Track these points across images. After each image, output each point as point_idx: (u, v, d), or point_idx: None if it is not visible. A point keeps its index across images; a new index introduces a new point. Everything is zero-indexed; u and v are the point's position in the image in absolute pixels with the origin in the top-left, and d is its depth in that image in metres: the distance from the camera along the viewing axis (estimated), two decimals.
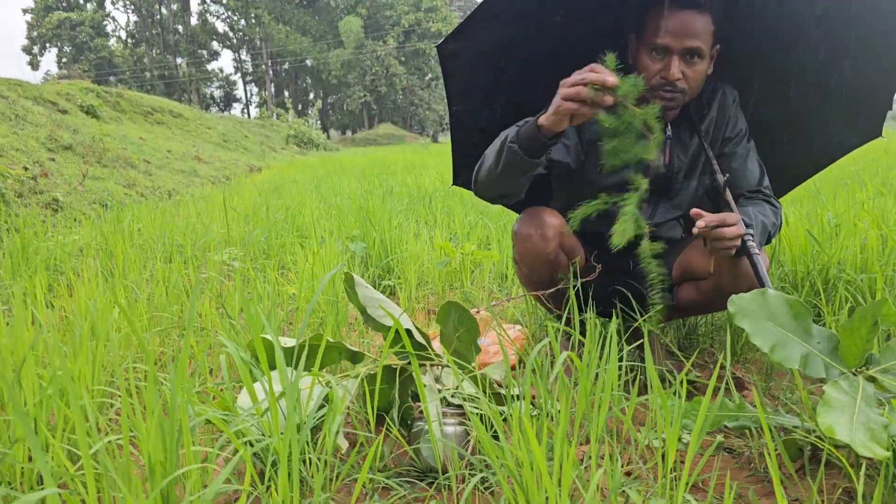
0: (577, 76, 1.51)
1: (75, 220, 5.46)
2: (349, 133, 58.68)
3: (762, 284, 1.66)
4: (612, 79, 1.48)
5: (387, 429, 1.64)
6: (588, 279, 1.93)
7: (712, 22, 1.73)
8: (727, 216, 1.62)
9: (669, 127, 1.92)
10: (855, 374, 1.30)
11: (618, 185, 1.94)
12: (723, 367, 2.15)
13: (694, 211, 1.63)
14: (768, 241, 1.91)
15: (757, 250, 1.66)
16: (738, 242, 1.65)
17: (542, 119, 1.59)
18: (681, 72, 1.72)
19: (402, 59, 55.20)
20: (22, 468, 1.25)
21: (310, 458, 1.26)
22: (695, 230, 1.62)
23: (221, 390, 1.41)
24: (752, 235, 1.68)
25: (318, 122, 44.31)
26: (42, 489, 1.33)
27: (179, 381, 1.03)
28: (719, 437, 1.59)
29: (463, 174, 2.20)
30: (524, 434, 1.04)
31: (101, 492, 1.01)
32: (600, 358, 1.47)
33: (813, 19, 1.93)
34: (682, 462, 1.46)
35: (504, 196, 1.94)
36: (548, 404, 1.35)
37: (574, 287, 1.88)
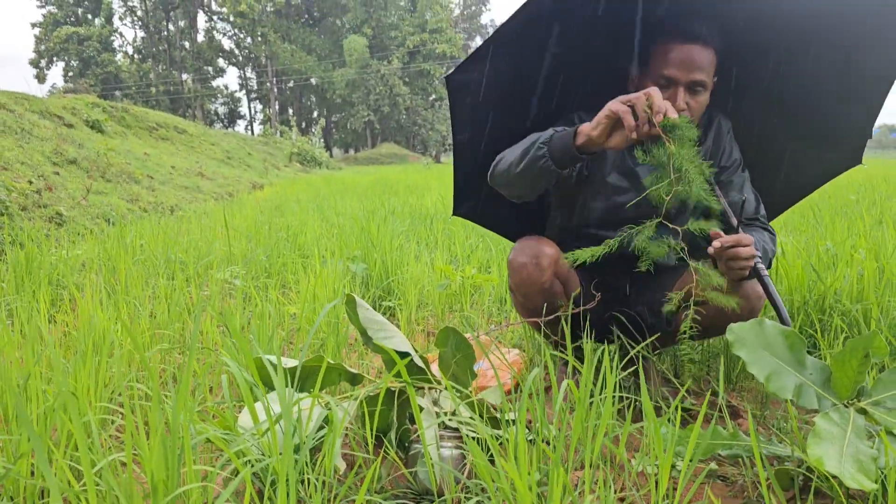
0: (636, 94, 1.52)
1: (78, 234, 5.50)
2: (352, 152, 58.94)
3: (775, 304, 1.70)
4: (673, 113, 1.50)
5: (384, 450, 1.66)
6: (586, 307, 1.95)
7: (714, 55, 1.80)
8: (742, 237, 1.65)
9: None
10: (847, 406, 1.32)
11: (612, 208, 1.97)
12: (717, 395, 2.17)
13: (713, 231, 1.66)
14: (768, 267, 1.94)
15: (766, 272, 1.70)
16: (752, 263, 1.68)
17: (584, 127, 1.61)
18: (685, 103, 1.77)
19: (407, 79, 55.55)
20: (25, 483, 1.26)
21: (308, 479, 1.28)
22: (710, 250, 1.65)
23: (222, 409, 1.42)
24: (759, 257, 1.72)
25: (322, 140, 44.54)
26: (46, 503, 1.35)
27: (181, 400, 1.05)
28: (712, 465, 1.61)
29: (464, 204, 2.23)
30: (518, 459, 1.06)
31: None
32: (594, 384, 1.50)
33: (801, 53, 1.97)
34: (675, 489, 1.48)
35: (514, 194, 1.94)
36: (544, 430, 1.37)
37: (570, 315, 1.91)
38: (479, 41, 70.41)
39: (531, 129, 2.06)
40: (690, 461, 1.24)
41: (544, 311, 1.96)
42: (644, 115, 1.50)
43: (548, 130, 1.74)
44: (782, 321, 1.75)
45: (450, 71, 1.93)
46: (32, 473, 1.32)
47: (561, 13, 1.86)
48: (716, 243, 1.64)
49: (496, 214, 2.32)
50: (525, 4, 1.76)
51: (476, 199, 2.24)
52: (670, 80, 1.77)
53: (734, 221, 1.81)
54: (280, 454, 1.11)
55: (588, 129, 1.60)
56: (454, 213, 2.27)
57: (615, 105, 1.53)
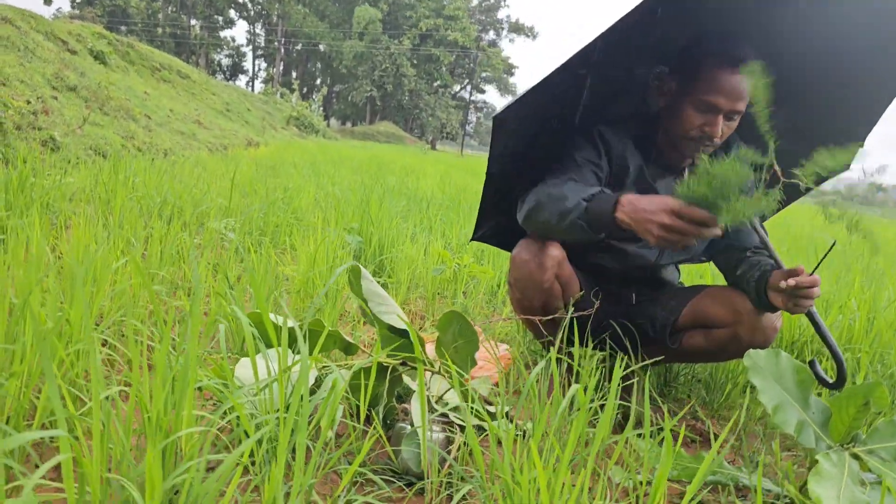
0: (683, 215, 1.48)
1: (69, 162, 5.40)
2: (349, 125, 58.60)
3: (828, 343, 1.64)
4: (718, 231, 1.47)
5: (366, 423, 1.64)
6: (583, 313, 1.95)
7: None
8: (817, 279, 1.60)
9: (686, 172, 1.96)
10: (843, 449, 1.33)
11: None
12: (699, 420, 2.18)
13: (795, 268, 1.62)
14: None
15: (816, 311, 1.68)
16: (816, 297, 1.63)
17: (623, 216, 1.58)
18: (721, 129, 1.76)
19: (415, 61, 55.29)
20: (12, 403, 1.23)
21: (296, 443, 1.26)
22: (784, 284, 1.59)
23: (218, 360, 1.40)
24: None
25: (321, 108, 44.20)
26: (30, 426, 1.32)
27: (194, 341, 1.03)
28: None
29: (483, 228, 2.24)
30: (529, 455, 1.05)
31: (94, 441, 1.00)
32: (584, 391, 1.49)
33: (811, 57, 1.95)
34: None
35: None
36: (539, 428, 1.36)
37: (568, 317, 1.90)
38: (492, 35, 70.32)
39: (552, 143, 2.04)
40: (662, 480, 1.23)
41: (540, 311, 1.96)
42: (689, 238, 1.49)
43: (579, 190, 1.70)
44: (837, 361, 1.69)
45: (499, 111, 1.91)
46: (20, 396, 1.29)
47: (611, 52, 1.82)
48: (791, 281, 1.58)
49: (514, 237, 2.29)
50: (574, 56, 1.71)
51: (495, 224, 2.25)
52: (713, 106, 1.74)
53: (778, 258, 1.78)
54: (278, 412, 1.09)
55: (626, 218, 1.58)
56: (473, 239, 2.27)
57: (665, 222, 1.50)
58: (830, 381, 1.67)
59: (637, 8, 1.62)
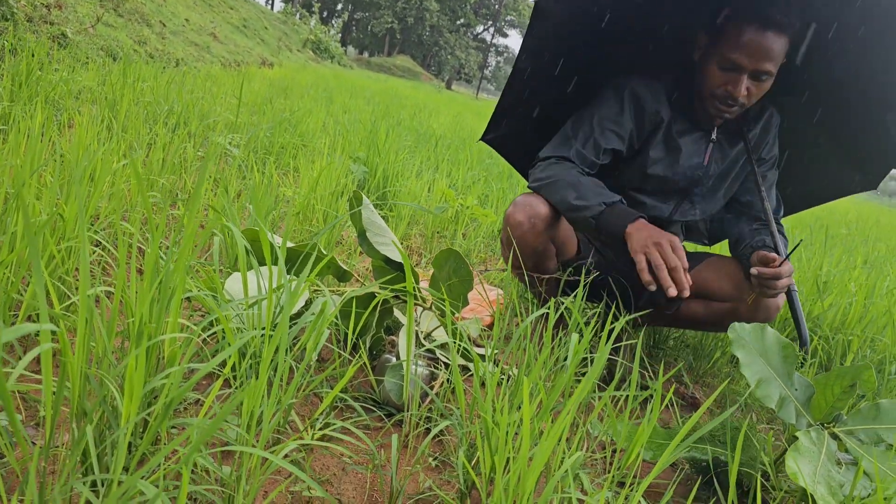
0: (679, 255, 1.58)
1: (78, 60, 5.30)
2: (366, 55, 57.66)
3: (797, 322, 1.74)
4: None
5: (353, 352, 1.64)
6: (574, 279, 1.93)
7: (787, 42, 1.69)
8: (783, 270, 1.67)
9: (716, 130, 1.92)
10: (823, 427, 1.33)
11: (659, 178, 1.93)
12: (684, 385, 2.19)
13: (761, 254, 1.71)
14: None
15: (799, 302, 1.75)
16: (783, 290, 1.71)
17: (631, 230, 1.65)
18: (746, 89, 1.71)
19: None
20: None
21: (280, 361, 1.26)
22: (753, 271, 1.68)
23: (211, 272, 1.39)
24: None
25: (340, 34, 43.39)
26: (15, 317, 1.31)
27: (186, 248, 1.01)
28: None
29: (495, 131, 2.15)
30: (511, 398, 1.04)
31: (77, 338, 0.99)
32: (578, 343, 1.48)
33: (861, 63, 1.89)
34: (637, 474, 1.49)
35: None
36: (528, 374, 1.35)
37: (567, 276, 1.90)
38: None
39: (582, 83, 1.98)
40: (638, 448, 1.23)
41: (531, 269, 1.94)
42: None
43: (594, 187, 1.75)
44: (801, 340, 1.76)
45: None
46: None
47: None
48: (753, 270, 1.69)
49: (524, 153, 2.24)
50: None
51: (509, 130, 2.16)
52: (736, 65, 1.69)
53: (776, 238, 1.81)
54: (265, 329, 1.08)
55: (631, 241, 1.64)
56: (483, 139, 2.19)
57: (655, 258, 1.58)
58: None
59: None
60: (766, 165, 1.99)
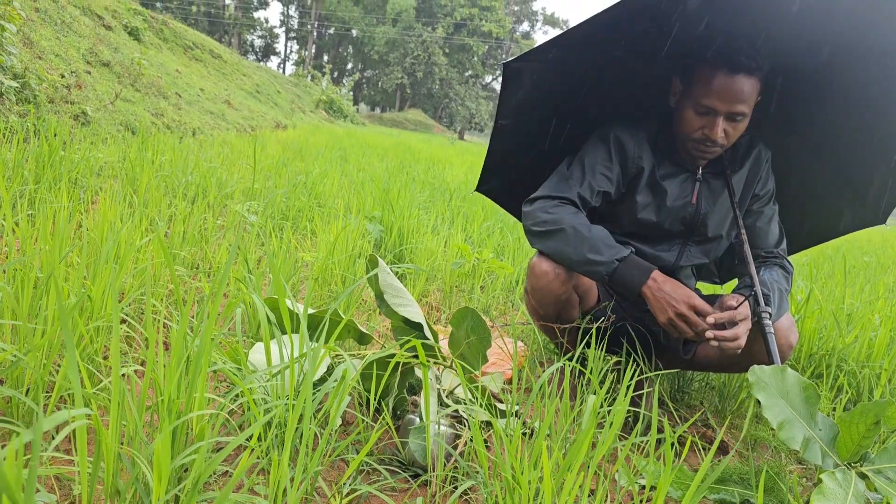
0: (699, 312, 1.66)
1: (99, 137, 5.47)
2: (378, 111, 58.66)
3: (771, 361, 1.69)
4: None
5: (377, 414, 1.66)
6: (597, 324, 1.94)
7: (758, 83, 1.74)
8: (736, 313, 1.66)
9: (700, 170, 1.95)
10: (850, 467, 1.32)
11: (652, 224, 1.96)
12: (710, 427, 2.18)
13: (725, 301, 1.73)
14: (780, 308, 1.92)
15: (771, 329, 1.69)
16: (742, 344, 1.67)
17: (647, 291, 1.71)
18: (723, 131, 1.75)
19: (447, 50, 55.14)
20: (32, 374, 1.26)
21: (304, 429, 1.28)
22: (710, 319, 1.67)
23: (234, 343, 1.42)
24: (769, 313, 1.71)
25: (351, 93, 44.26)
26: (48, 398, 1.35)
27: (211, 325, 1.05)
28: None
29: (489, 182, 2.23)
30: (532, 455, 1.05)
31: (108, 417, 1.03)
32: (595, 394, 1.49)
33: (858, 98, 1.92)
34: None
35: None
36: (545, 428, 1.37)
37: (584, 326, 1.91)
38: (527, 27, 69.91)
39: (566, 134, 2.04)
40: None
41: (554, 319, 1.96)
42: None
43: (620, 249, 1.76)
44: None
45: (511, 58, 1.91)
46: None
47: (626, 25, 1.81)
48: (710, 318, 1.67)
49: (518, 199, 2.30)
50: (596, 15, 1.71)
51: (501, 181, 2.25)
52: (710, 109, 1.75)
53: (749, 258, 1.83)
54: (289, 398, 1.11)
55: (649, 297, 1.71)
56: (477, 189, 2.26)
57: (682, 325, 1.67)
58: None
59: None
60: (762, 201, 2.02)
